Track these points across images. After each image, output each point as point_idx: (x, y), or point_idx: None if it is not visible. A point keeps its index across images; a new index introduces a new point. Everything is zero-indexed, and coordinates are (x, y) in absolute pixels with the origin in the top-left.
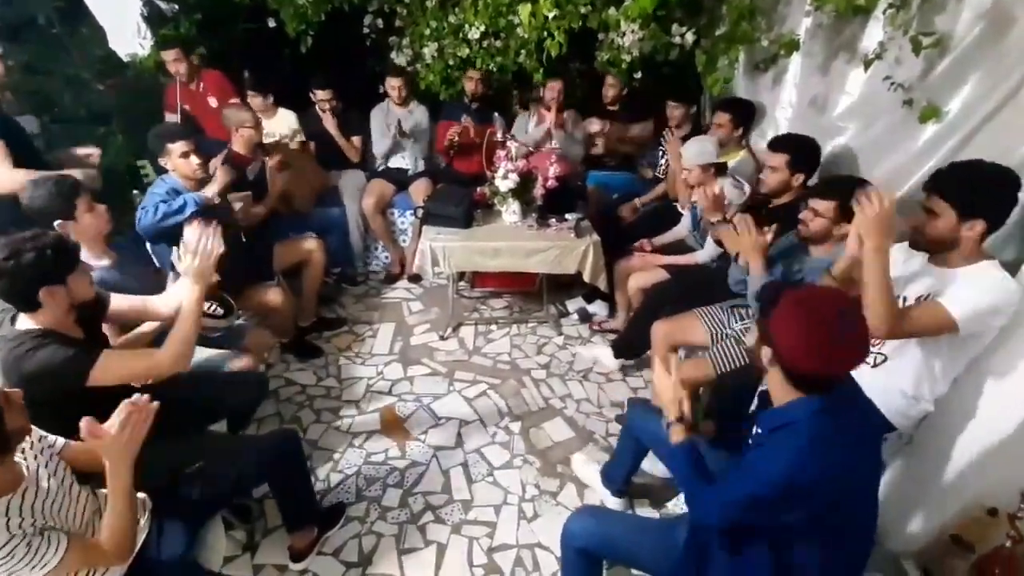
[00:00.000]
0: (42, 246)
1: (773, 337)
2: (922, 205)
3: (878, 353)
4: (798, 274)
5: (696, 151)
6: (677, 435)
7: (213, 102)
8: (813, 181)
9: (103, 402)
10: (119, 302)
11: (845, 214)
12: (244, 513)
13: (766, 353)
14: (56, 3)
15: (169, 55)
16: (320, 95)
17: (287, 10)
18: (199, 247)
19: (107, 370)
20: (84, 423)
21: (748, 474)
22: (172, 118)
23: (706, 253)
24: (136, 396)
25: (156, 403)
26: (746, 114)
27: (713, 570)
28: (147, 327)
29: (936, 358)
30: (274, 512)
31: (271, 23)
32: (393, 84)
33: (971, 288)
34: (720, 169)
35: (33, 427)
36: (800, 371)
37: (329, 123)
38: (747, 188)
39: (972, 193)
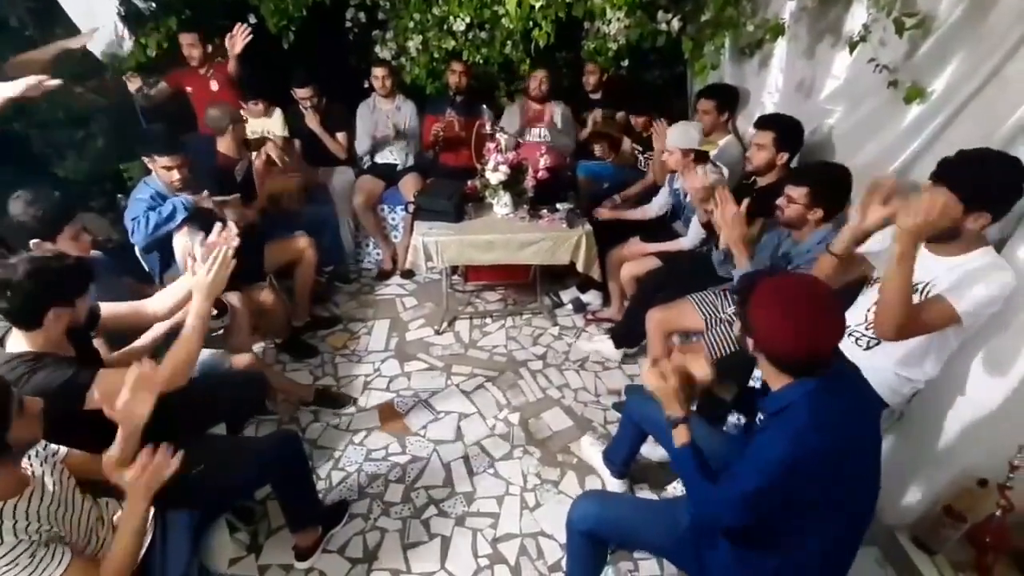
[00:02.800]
0: (65, 267)
1: (752, 327)
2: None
3: (871, 337)
4: (784, 260)
5: (680, 133)
6: (681, 437)
7: (214, 85)
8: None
9: (101, 418)
10: (109, 310)
11: (817, 199)
12: (247, 514)
13: (749, 342)
14: (28, 4)
15: (186, 39)
16: (300, 93)
17: (267, 6)
18: (215, 259)
19: (104, 393)
20: (105, 463)
21: (753, 465)
22: (163, 86)
23: (690, 239)
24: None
25: (179, 454)
26: (730, 99)
27: (715, 549)
28: (140, 344)
29: (930, 342)
30: (277, 512)
31: (251, 19)
32: (378, 74)
33: (972, 280)
34: (700, 157)
35: None
36: (780, 357)
37: (312, 121)
38: (726, 172)
39: (981, 186)
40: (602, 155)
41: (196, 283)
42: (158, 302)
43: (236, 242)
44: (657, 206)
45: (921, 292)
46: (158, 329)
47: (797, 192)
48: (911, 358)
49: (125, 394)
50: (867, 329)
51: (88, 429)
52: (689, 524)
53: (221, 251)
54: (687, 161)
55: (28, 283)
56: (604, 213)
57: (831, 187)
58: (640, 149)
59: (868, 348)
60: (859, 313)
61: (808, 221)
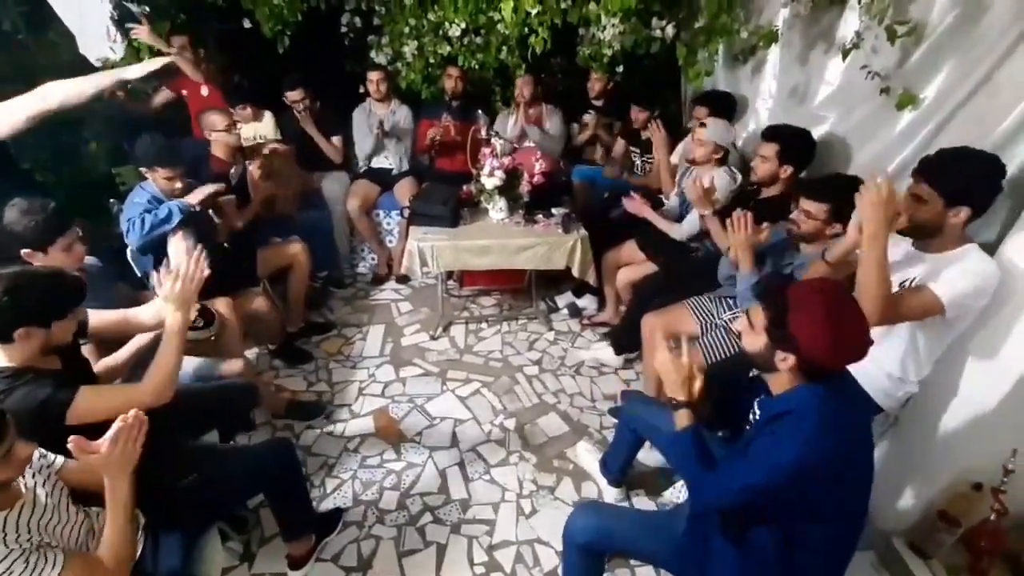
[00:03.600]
0: (45, 287)
1: (796, 340)
2: (909, 191)
3: None
4: (787, 268)
5: (721, 129)
6: (683, 420)
7: (205, 91)
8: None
9: (89, 428)
10: (98, 318)
11: (838, 216)
12: (240, 523)
13: (782, 357)
14: (21, 8)
15: (178, 41)
16: (291, 96)
17: (262, 10)
18: (182, 272)
19: (86, 410)
20: (73, 441)
21: (759, 463)
22: (165, 94)
23: (683, 231)
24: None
25: (145, 416)
26: (723, 106)
27: (716, 557)
28: (124, 353)
29: (920, 341)
30: (270, 521)
31: (246, 23)
32: (372, 78)
33: (957, 272)
34: (723, 159)
35: None
36: (824, 366)
37: (307, 124)
38: (739, 177)
39: (959, 180)
40: (603, 162)
41: (165, 295)
42: (148, 311)
43: (204, 259)
44: (687, 229)
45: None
46: (139, 340)
47: (816, 208)
48: (903, 358)
49: (107, 453)
50: None
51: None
52: (685, 531)
53: (188, 265)
54: (714, 157)
55: (4, 301)
56: (634, 204)
57: (852, 204)
58: (637, 151)
59: None
60: None
61: (825, 236)
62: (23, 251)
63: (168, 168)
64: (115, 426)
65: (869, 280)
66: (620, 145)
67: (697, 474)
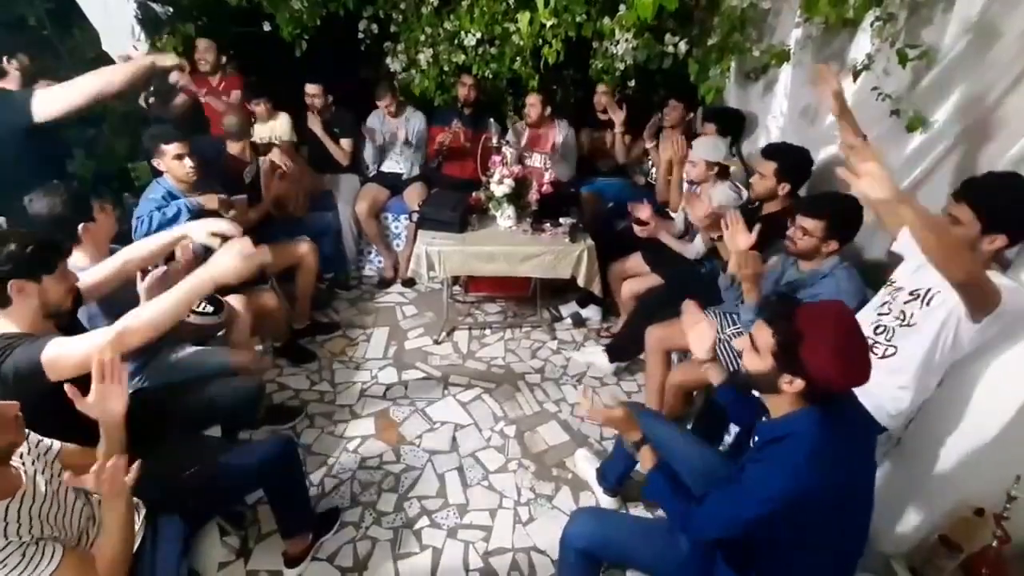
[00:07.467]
0: (28, 241)
1: (807, 366)
2: (946, 211)
3: (889, 345)
4: (788, 288)
5: (709, 146)
6: (647, 461)
7: (226, 97)
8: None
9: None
10: (90, 277)
11: (833, 233)
12: (238, 519)
13: (788, 379)
14: (47, 5)
15: (203, 44)
16: (310, 89)
17: (282, 15)
18: (242, 246)
19: (56, 357)
20: (68, 389)
21: (747, 494)
22: (183, 97)
23: (697, 249)
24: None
25: (136, 465)
26: (732, 123)
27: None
28: (108, 267)
29: (925, 353)
30: (268, 517)
31: (266, 27)
32: (382, 104)
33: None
34: (722, 173)
35: (31, 432)
36: (833, 389)
37: (315, 124)
38: (744, 193)
39: (1001, 207)
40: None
41: (228, 248)
42: (142, 245)
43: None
44: (700, 247)
45: (923, 299)
46: (127, 254)
47: (812, 224)
48: (914, 371)
49: (94, 390)
50: (878, 333)
51: (78, 421)
52: (690, 550)
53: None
54: (709, 174)
55: None
56: (646, 229)
57: (847, 220)
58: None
59: (884, 357)
60: (870, 314)
61: (821, 252)
62: (80, 227)
63: (176, 143)
64: (95, 367)
65: (926, 234)
66: (619, 144)
67: (680, 510)
